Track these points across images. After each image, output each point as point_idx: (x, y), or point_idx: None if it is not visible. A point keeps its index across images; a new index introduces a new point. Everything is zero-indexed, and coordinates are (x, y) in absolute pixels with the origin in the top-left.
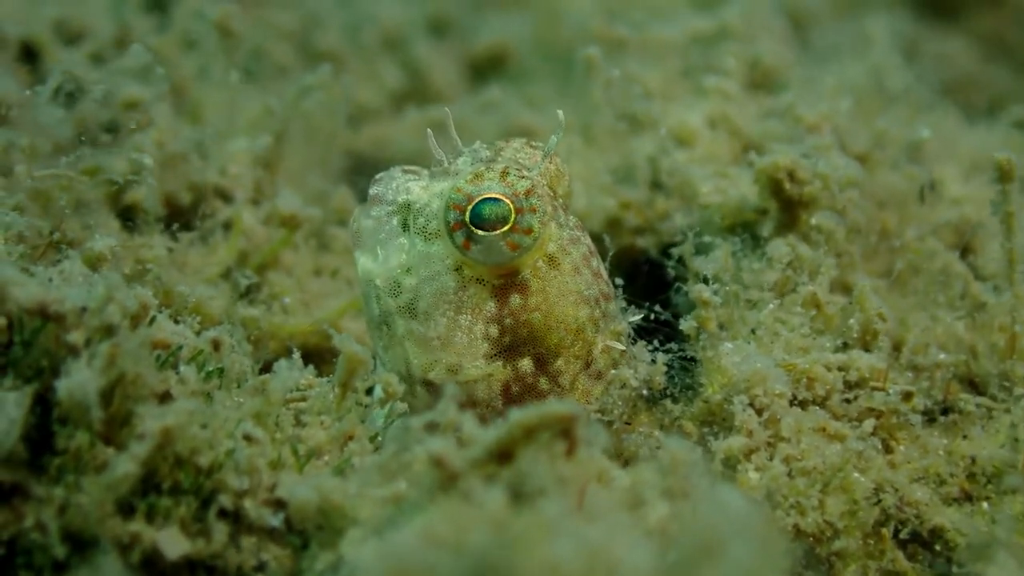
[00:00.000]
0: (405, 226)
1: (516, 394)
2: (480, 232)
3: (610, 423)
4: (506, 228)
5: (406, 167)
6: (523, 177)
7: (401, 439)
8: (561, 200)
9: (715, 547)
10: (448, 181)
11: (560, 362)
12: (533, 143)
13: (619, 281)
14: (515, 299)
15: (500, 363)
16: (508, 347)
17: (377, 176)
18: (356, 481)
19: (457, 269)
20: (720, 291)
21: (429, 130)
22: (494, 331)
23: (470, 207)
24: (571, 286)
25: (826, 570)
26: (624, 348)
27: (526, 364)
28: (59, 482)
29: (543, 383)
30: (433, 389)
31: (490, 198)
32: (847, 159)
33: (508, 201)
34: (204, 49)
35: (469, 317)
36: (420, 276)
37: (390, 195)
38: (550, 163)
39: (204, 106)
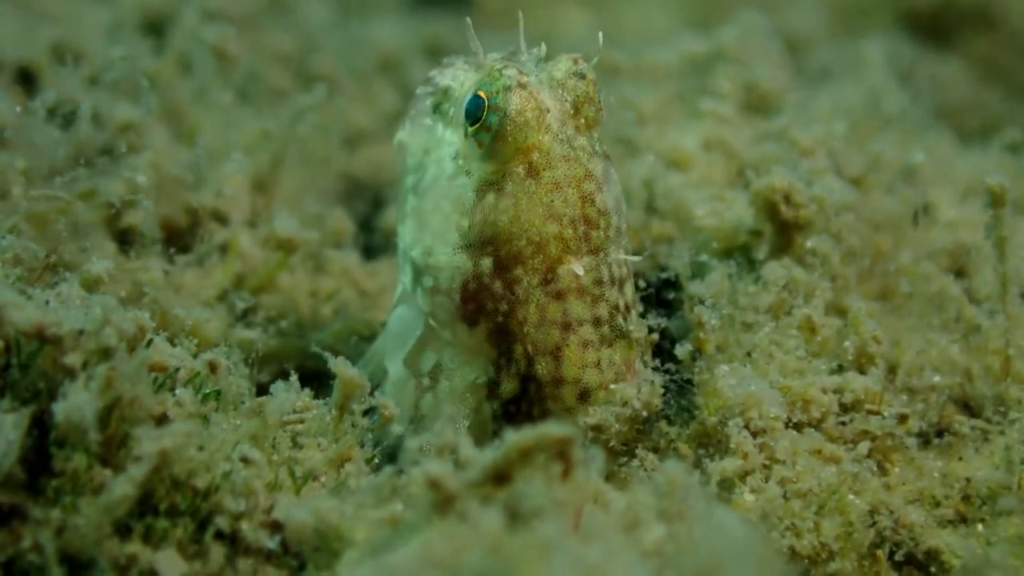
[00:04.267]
0: (437, 109)
1: (472, 291)
2: (468, 125)
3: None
4: (477, 125)
5: (469, 58)
6: (508, 76)
7: (398, 461)
8: (583, 121)
9: (713, 571)
10: (475, 73)
11: (518, 270)
12: (578, 58)
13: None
14: (489, 197)
15: (465, 256)
16: (473, 242)
17: (444, 60)
18: (353, 502)
19: (455, 158)
20: (716, 313)
21: (468, 20)
22: (464, 223)
23: (467, 99)
24: (544, 199)
25: None
26: (583, 274)
27: (486, 264)
28: (56, 504)
29: (498, 287)
30: (415, 270)
31: (478, 94)
32: (842, 182)
33: (485, 98)
34: (201, 72)
35: (449, 204)
36: (432, 158)
37: (437, 78)
38: (582, 83)
39: (201, 129)
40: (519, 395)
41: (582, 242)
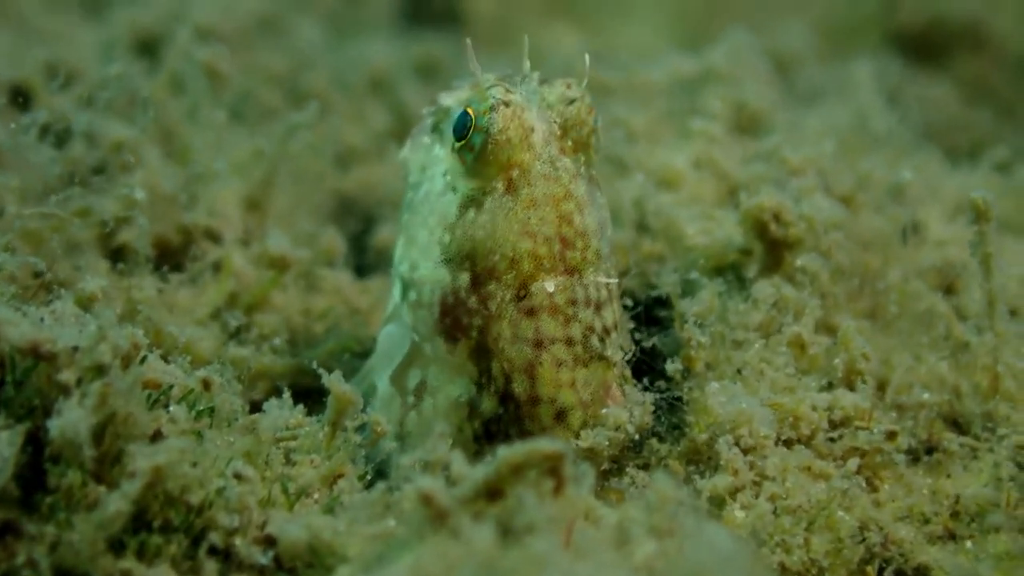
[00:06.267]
0: (436, 128)
1: (450, 306)
2: (455, 141)
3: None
4: (463, 143)
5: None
6: (493, 96)
7: (389, 477)
8: (570, 143)
9: None
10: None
11: (492, 286)
12: (571, 82)
13: None
14: (470, 213)
15: (445, 270)
16: (453, 257)
17: (454, 83)
18: (345, 518)
19: (444, 174)
20: (707, 331)
21: (468, 41)
22: (446, 238)
23: (455, 116)
24: (520, 216)
25: None
26: (554, 292)
27: (464, 279)
28: (51, 520)
29: (473, 302)
30: (402, 284)
31: (466, 111)
32: (831, 201)
33: (473, 116)
34: (193, 91)
35: (435, 220)
36: (427, 175)
37: (442, 99)
38: (572, 107)
39: (193, 148)
40: (499, 415)
41: (557, 261)
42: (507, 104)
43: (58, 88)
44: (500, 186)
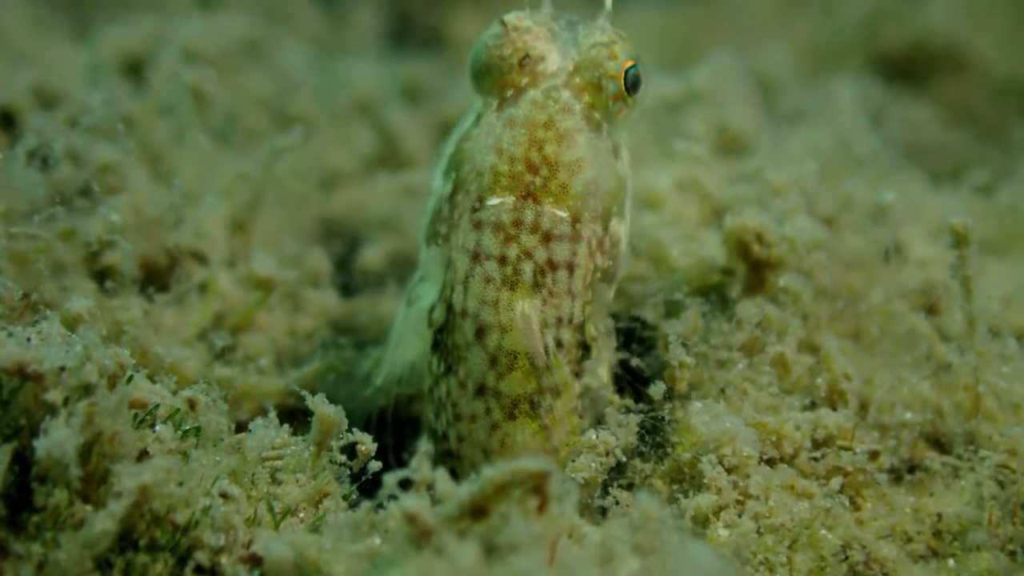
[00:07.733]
0: None
1: (435, 211)
2: None
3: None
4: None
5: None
6: (503, 17)
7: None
8: (577, 80)
9: None
10: None
11: (459, 196)
12: (611, 30)
13: None
14: (473, 129)
15: (441, 180)
16: (447, 168)
17: None
18: (331, 537)
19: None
20: (690, 351)
21: None
22: (452, 150)
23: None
24: (495, 132)
25: None
26: (500, 208)
27: (448, 188)
28: (37, 539)
29: (445, 210)
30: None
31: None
32: (814, 222)
33: None
34: (180, 114)
35: (454, 136)
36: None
37: None
38: (592, 49)
39: (179, 170)
40: (443, 325)
41: (516, 182)
42: (508, 25)
43: (45, 112)
44: (495, 103)
